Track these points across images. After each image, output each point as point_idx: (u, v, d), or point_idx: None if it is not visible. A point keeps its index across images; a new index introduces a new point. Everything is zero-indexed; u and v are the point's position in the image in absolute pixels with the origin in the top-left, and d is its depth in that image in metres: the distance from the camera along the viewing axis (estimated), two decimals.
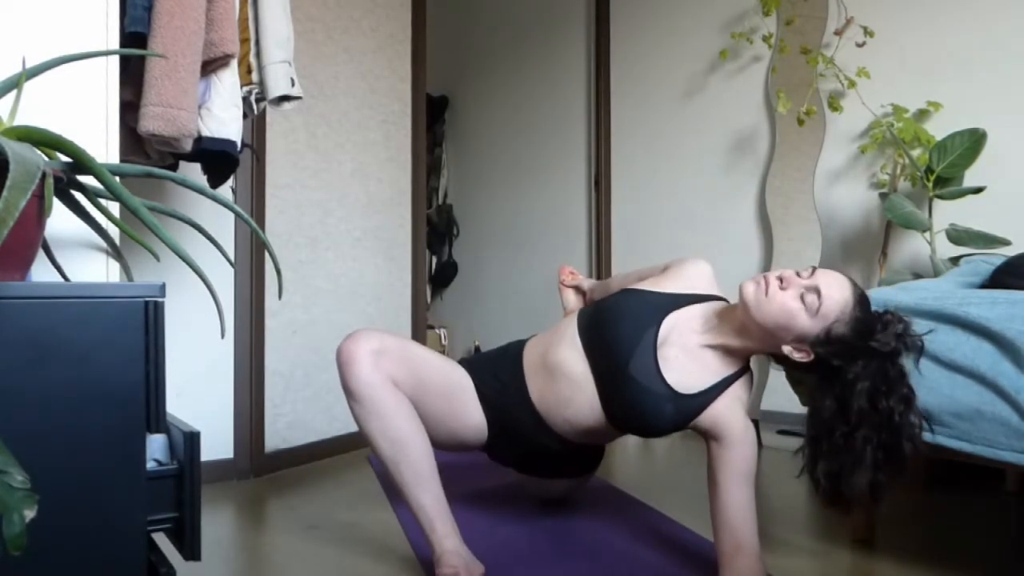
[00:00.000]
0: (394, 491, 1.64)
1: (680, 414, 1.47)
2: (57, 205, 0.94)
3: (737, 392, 1.50)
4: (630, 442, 2.85)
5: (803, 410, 1.57)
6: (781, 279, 1.39)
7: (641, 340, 1.49)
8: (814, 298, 1.35)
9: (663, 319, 1.53)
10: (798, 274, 1.40)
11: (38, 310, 0.77)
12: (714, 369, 1.50)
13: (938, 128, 2.46)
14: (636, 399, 1.47)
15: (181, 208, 2.12)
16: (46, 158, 0.89)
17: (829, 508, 1.42)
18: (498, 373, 1.66)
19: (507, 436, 1.65)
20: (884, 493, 1.33)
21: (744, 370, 1.53)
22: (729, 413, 1.47)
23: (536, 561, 1.59)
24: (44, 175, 0.83)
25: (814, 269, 1.40)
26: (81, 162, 0.86)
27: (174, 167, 1.74)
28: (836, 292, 1.36)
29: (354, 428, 2.67)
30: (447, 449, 1.69)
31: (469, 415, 1.63)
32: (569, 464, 1.79)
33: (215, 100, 1.52)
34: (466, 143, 4.42)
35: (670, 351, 1.50)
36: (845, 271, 2.70)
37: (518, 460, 1.77)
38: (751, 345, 1.47)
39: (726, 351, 1.50)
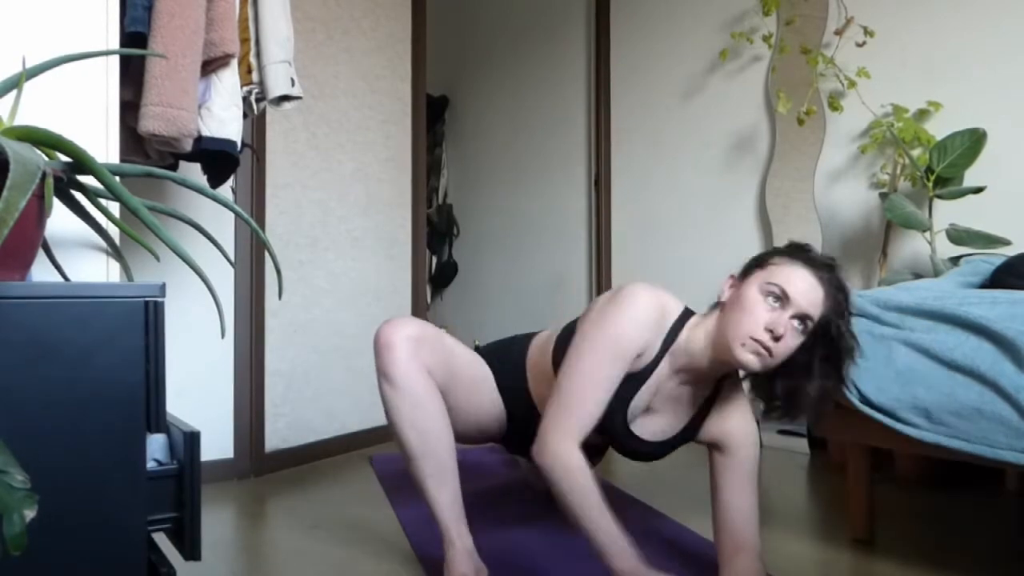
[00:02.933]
0: (406, 487, 1.64)
1: (676, 444, 1.51)
2: (57, 205, 0.94)
3: (728, 399, 1.49)
4: None
5: None
6: (773, 333, 1.30)
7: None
8: (798, 323, 1.32)
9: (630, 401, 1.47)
10: (778, 301, 1.31)
11: (38, 310, 0.77)
12: (688, 401, 1.48)
13: (938, 128, 2.46)
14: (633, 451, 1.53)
15: (181, 208, 2.13)
16: (46, 158, 0.89)
17: (784, 420, 1.45)
18: (507, 366, 1.66)
19: (524, 425, 1.65)
20: (830, 403, 1.44)
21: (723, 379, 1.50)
22: (724, 424, 1.47)
23: (536, 561, 1.59)
24: (44, 175, 0.83)
25: (785, 296, 1.31)
26: (81, 162, 0.86)
27: (174, 167, 1.74)
28: (808, 301, 1.32)
29: (354, 428, 2.70)
30: (468, 441, 1.70)
31: (493, 405, 1.65)
32: None
33: (215, 100, 1.52)
34: (466, 143, 4.42)
35: (645, 417, 1.49)
36: (845, 271, 2.71)
37: (530, 448, 1.78)
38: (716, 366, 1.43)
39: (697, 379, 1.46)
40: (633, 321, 1.35)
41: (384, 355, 1.46)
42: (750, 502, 1.43)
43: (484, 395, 1.64)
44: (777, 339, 1.28)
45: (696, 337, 1.40)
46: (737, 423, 1.47)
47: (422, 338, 1.49)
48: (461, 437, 1.61)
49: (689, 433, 1.50)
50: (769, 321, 1.29)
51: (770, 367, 1.33)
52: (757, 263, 1.40)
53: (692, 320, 1.44)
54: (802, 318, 1.30)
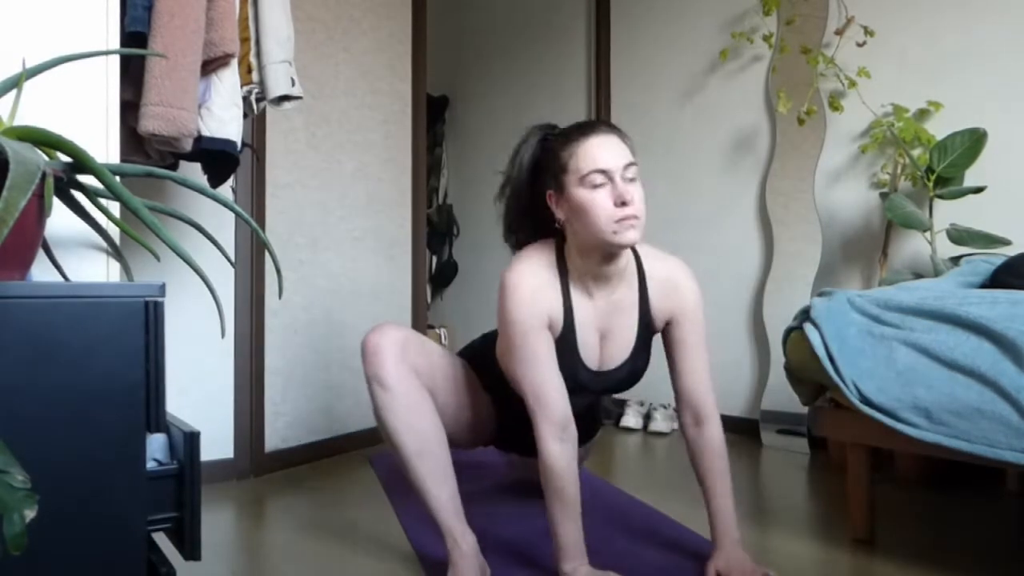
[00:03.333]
0: (406, 487, 1.64)
1: (645, 344, 1.57)
2: (57, 205, 0.94)
3: (655, 273, 1.54)
4: (630, 442, 2.85)
5: (803, 410, 1.58)
6: (624, 203, 1.36)
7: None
8: (629, 174, 1.41)
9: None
10: (602, 178, 1.38)
11: (38, 310, 0.77)
12: (622, 298, 1.52)
13: (938, 128, 2.46)
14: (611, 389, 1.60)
15: (181, 208, 2.13)
16: (46, 158, 0.89)
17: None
18: (487, 365, 1.68)
19: (513, 420, 1.66)
20: None
21: (632, 260, 1.54)
22: (668, 299, 1.54)
23: (536, 561, 1.59)
24: (44, 175, 0.83)
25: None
26: (81, 162, 0.86)
27: (174, 167, 1.74)
28: (617, 156, 1.40)
29: (354, 428, 2.70)
30: (461, 445, 1.73)
31: (481, 405, 1.68)
32: None
33: (215, 100, 1.52)
34: (466, 143, 4.42)
35: (605, 349, 1.55)
36: (845, 271, 2.72)
37: (523, 443, 1.79)
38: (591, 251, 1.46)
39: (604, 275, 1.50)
40: (516, 302, 1.43)
41: (373, 360, 1.49)
42: (702, 362, 1.54)
43: (471, 395, 1.67)
44: (628, 202, 1.35)
45: (576, 262, 1.47)
46: (680, 292, 1.54)
47: (407, 342, 1.53)
48: (453, 442, 1.62)
49: (646, 324, 1.54)
50: (614, 199, 1.35)
51: (643, 222, 1.39)
52: (555, 172, 1.43)
53: (566, 253, 1.49)
54: (626, 168, 1.38)
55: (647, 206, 1.41)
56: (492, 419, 1.72)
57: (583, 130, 1.41)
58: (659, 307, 1.54)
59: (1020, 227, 2.30)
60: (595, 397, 1.77)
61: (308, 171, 2.55)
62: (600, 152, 1.37)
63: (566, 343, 1.48)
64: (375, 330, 1.53)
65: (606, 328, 1.53)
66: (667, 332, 1.57)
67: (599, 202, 1.36)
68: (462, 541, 1.46)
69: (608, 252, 1.43)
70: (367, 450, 2.68)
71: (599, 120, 1.44)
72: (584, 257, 1.45)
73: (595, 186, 1.36)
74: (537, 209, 1.49)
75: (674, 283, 1.54)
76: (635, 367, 1.56)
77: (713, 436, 1.53)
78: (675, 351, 1.55)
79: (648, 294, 1.53)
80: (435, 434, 1.49)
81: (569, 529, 1.41)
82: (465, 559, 1.44)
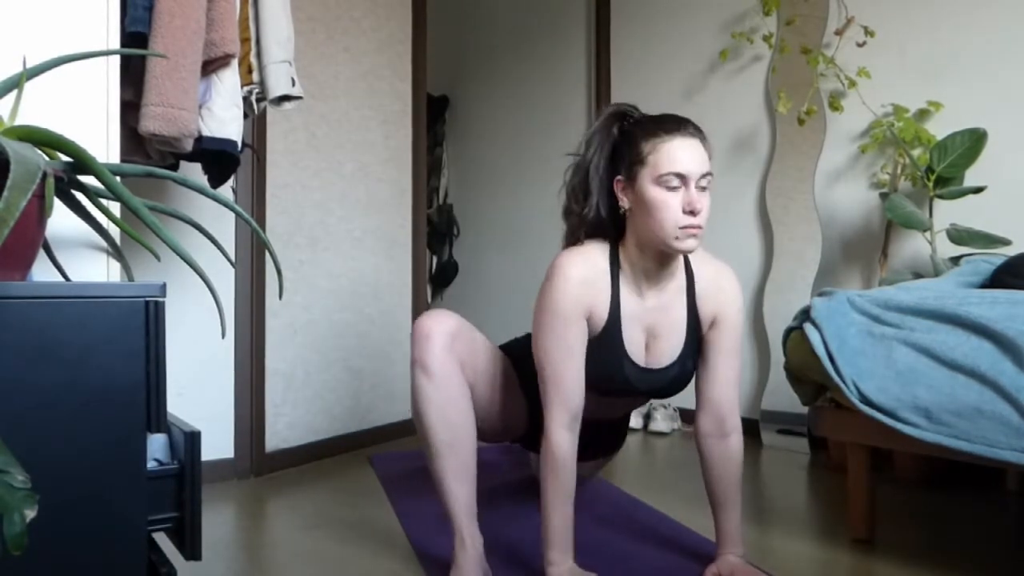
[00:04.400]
0: (406, 487, 1.64)
1: (696, 344, 1.54)
2: (58, 205, 0.94)
3: (704, 275, 1.52)
4: (630, 442, 2.85)
5: (803, 410, 1.57)
6: (692, 212, 1.35)
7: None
8: (704, 182, 1.39)
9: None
10: (678, 182, 1.36)
11: (38, 310, 0.77)
12: (672, 299, 1.50)
13: (938, 128, 2.46)
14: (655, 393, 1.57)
15: (182, 208, 2.13)
16: (47, 158, 0.89)
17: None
18: (526, 363, 1.65)
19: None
20: None
21: (687, 265, 1.53)
22: (714, 301, 1.51)
23: (536, 561, 1.59)
24: (45, 175, 0.83)
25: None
26: (82, 162, 0.86)
27: (175, 167, 1.74)
28: (698, 163, 1.38)
29: (354, 428, 2.70)
30: (491, 437, 1.74)
31: (514, 405, 1.68)
32: (596, 445, 1.82)
33: (216, 100, 1.52)
34: (466, 143, 4.42)
35: (654, 348, 1.52)
36: (845, 271, 2.72)
37: None
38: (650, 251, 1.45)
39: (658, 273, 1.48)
40: (560, 289, 1.41)
41: (422, 345, 1.47)
42: (735, 370, 1.52)
43: (506, 393, 1.66)
44: (697, 212, 1.34)
45: (632, 255, 1.45)
46: (726, 297, 1.52)
47: (459, 332, 1.51)
48: (485, 433, 1.63)
49: (694, 327, 1.52)
50: (684, 205, 1.34)
51: (704, 232, 1.38)
52: (631, 161, 1.40)
53: (621, 247, 1.48)
54: (703, 176, 1.36)
55: None
56: (523, 419, 1.71)
57: (669, 127, 1.38)
58: (705, 309, 1.52)
59: (1020, 227, 2.30)
60: (634, 402, 1.75)
61: (308, 171, 2.55)
62: (683, 155, 1.34)
63: (610, 337, 1.46)
64: (429, 316, 1.51)
65: (654, 327, 1.50)
66: (704, 335, 1.54)
67: (670, 204, 1.34)
68: (470, 543, 1.46)
69: (665, 252, 1.42)
70: (367, 450, 2.68)
71: (688, 120, 1.40)
72: (641, 250, 1.44)
73: (669, 188, 1.34)
74: (604, 194, 1.46)
75: (719, 285, 1.52)
76: (684, 368, 1.53)
77: (735, 450, 1.51)
78: (709, 355, 1.52)
79: (696, 296, 1.51)
80: (467, 431, 1.49)
81: (559, 517, 1.40)
82: (470, 562, 1.44)
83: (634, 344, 1.49)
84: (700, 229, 1.35)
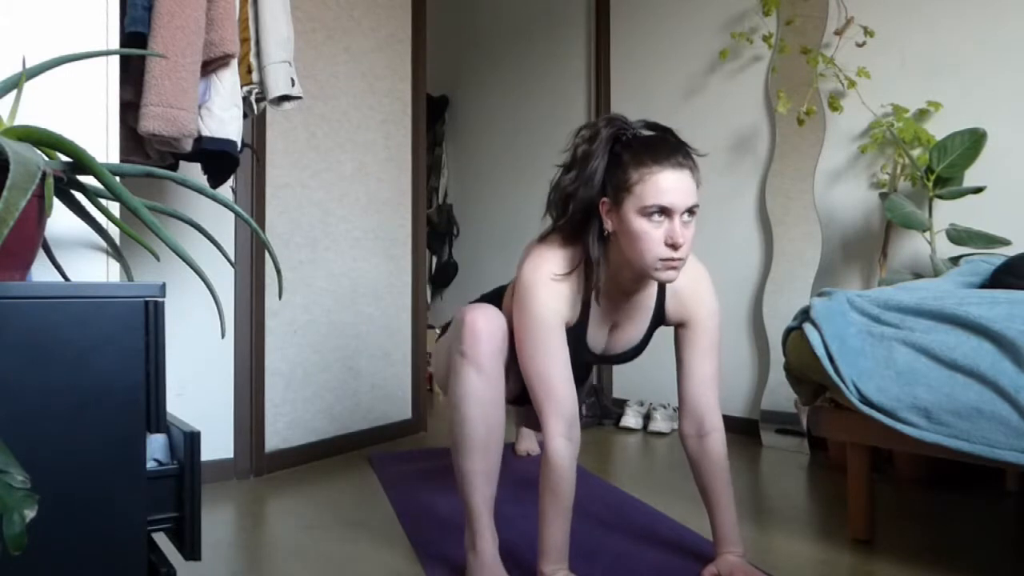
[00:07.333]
0: (407, 487, 1.63)
1: (650, 333, 1.60)
2: (57, 205, 0.95)
3: (686, 282, 1.53)
4: (630, 442, 2.85)
5: (803, 410, 1.57)
6: (674, 245, 1.35)
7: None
8: (687, 216, 1.38)
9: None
10: (662, 215, 1.35)
11: (38, 310, 0.77)
12: (643, 301, 1.55)
13: (938, 128, 2.46)
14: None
15: (181, 208, 2.13)
16: (46, 158, 0.89)
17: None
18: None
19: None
20: None
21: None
22: (685, 307, 1.55)
23: (536, 561, 1.59)
24: (44, 175, 0.83)
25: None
26: (81, 162, 0.86)
27: (174, 167, 1.74)
28: (683, 196, 1.37)
29: (354, 428, 2.70)
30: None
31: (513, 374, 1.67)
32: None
33: (215, 100, 1.52)
34: (466, 143, 4.42)
35: (613, 336, 1.59)
36: (845, 271, 2.72)
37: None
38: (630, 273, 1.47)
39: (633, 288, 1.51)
40: (538, 304, 1.43)
41: (475, 340, 1.45)
42: (711, 369, 1.54)
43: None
44: (679, 246, 1.34)
45: (611, 267, 1.47)
46: (696, 302, 1.55)
47: (505, 333, 1.50)
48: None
49: (656, 323, 1.58)
50: (666, 237, 1.34)
51: (684, 263, 1.39)
52: (617, 185, 1.38)
53: (597, 258, 1.46)
54: (689, 211, 1.35)
55: None
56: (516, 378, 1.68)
57: (659, 156, 1.34)
58: (673, 310, 1.56)
59: (1020, 227, 2.30)
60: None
61: (308, 171, 2.55)
62: (669, 188, 1.32)
63: (574, 337, 1.50)
64: (480, 311, 1.49)
65: (617, 322, 1.56)
66: (679, 332, 1.58)
67: (652, 236, 1.34)
68: (491, 539, 1.47)
69: (642, 277, 1.45)
70: (367, 450, 2.68)
71: (680, 146, 1.37)
72: (619, 268, 1.46)
73: (653, 220, 1.34)
74: (588, 209, 1.45)
75: (691, 290, 1.54)
76: (639, 350, 1.62)
77: (716, 450, 1.52)
78: (684, 352, 1.56)
79: (665, 300, 1.56)
80: (500, 435, 1.49)
81: (557, 529, 1.40)
82: (491, 558, 1.46)
83: (596, 338, 1.56)
84: (681, 261, 1.36)
